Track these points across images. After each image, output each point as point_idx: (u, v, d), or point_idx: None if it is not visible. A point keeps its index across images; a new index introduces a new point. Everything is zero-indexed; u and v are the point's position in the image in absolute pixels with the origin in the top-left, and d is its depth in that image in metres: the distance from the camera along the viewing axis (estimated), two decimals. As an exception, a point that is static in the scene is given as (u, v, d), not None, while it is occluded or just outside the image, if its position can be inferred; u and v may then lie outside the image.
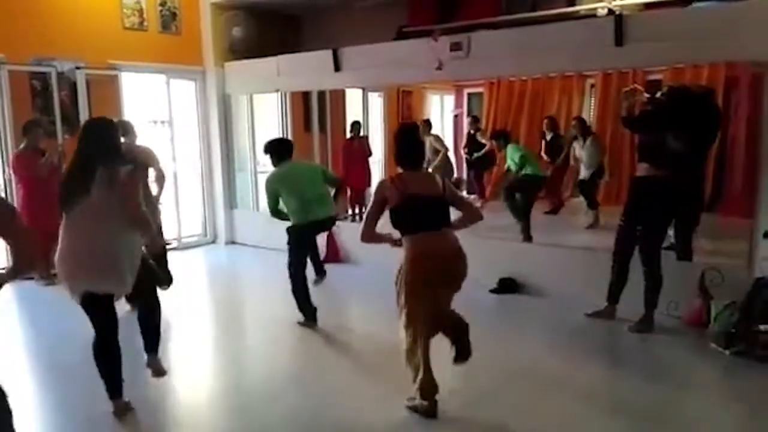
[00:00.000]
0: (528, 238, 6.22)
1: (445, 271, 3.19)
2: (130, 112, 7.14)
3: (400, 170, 3.31)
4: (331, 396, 3.58)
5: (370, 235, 3.28)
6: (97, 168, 3.02)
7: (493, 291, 5.51)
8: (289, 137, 7.62)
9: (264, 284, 6.19)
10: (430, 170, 7.45)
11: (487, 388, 3.65)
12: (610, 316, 4.67)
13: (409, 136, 3.42)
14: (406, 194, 3.15)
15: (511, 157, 6.81)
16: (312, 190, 4.67)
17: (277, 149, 4.79)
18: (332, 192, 4.92)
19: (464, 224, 3.36)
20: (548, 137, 7.93)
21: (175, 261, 7.15)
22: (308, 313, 4.74)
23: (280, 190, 4.62)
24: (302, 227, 4.67)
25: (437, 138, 8.53)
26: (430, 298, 3.18)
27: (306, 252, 4.84)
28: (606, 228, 6.64)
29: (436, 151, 8.27)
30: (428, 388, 3.17)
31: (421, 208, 3.18)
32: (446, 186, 3.29)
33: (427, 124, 8.48)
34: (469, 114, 10.38)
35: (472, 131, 8.94)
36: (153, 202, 5.10)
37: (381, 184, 3.31)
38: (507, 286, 5.53)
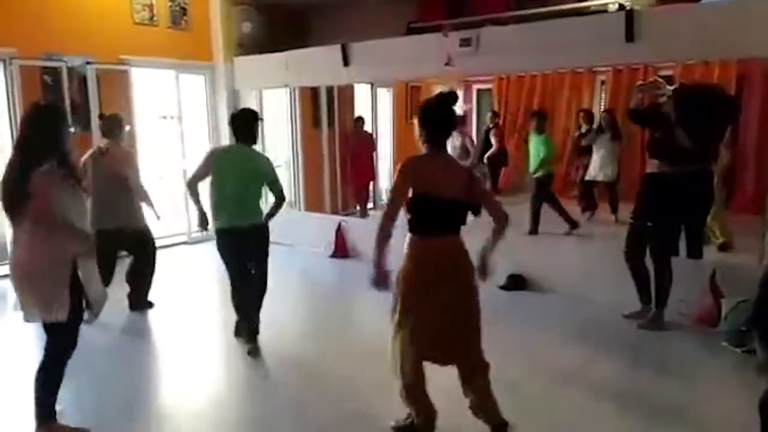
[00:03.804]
0: (573, 225, 6.70)
1: (445, 282, 2.78)
2: (139, 107, 7.18)
3: (424, 149, 2.83)
4: (340, 389, 3.58)
5: (384, 235, 2.74)
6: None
7: (501, 287, 5.50)
8: (298, 132, 7.66)
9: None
10: None
11: (499, 384, 3.64)
12: (645, 317, 4.54)
13: (446, 107, 2.83)
14: (422, 192, 2.72)
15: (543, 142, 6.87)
16: (236, 183, 3.95)
17: (235, 124, 4.15)
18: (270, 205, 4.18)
19: (496, 239, 2.86)
20: (583, 130, 7.84)
21: (183, 255, 7.23)
22: (240, 328, 4.27)
23: (211, 169, 4.00)
24: (221, 233, 4.01)
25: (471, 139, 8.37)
26: (430, 308, 2.78)
27: (237, 266, 4.07)
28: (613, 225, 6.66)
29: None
30: (425, 419, 2.88)
31: (435, 211, 2.76)
32: (472, 181, 2.82)
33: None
34: (478, 110, 10.36)
35: (490, 126, 8.83)
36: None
37: (409, 164, 2.76)
38: (516, 282, 5.52)
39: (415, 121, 2.85)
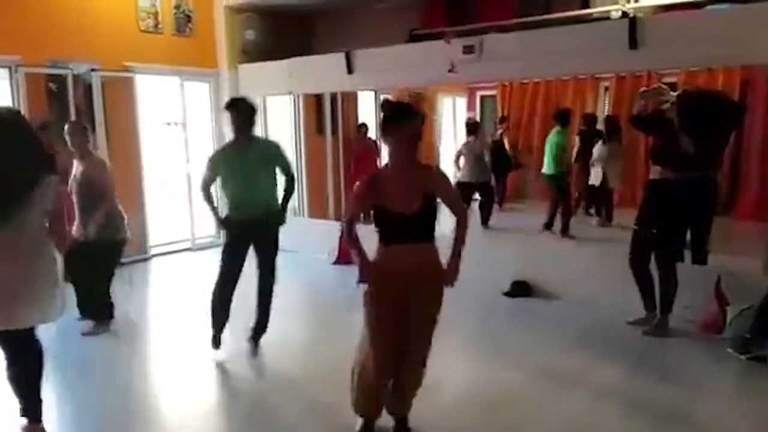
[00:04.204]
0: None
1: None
2: (144, 114, 7.20)
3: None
4: (340, 400, 3.56)
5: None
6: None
7: (506, 294, 5.49)
8: (302, 139, 7.68)
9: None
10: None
11: (503, 391, 3.63)
12: (649, 323, 4.52)
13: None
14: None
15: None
16: (253, 176, 4.01)
17: (242, 114, 4.04)
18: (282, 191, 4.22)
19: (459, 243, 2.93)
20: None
21: (188, 262, 7.24)
22: (214, 334, 4.22)
23: (220, 170, 4.05)
24: (232, 224, 4.09)
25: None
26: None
27: (235, 262, 4.09)
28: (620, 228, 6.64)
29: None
30: (365, 404, 3.05)
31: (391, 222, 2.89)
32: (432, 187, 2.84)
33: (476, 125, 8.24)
34: (482, 117, 10.34)
35: (499, 132, 8.84)
36: None
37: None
38: (520, 288, 5.51)
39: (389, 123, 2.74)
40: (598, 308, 4.86)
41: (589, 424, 3.25)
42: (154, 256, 7.25)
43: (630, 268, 4.51)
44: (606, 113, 8.54)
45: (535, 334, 4.64)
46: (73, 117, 6.38)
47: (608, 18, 5.65)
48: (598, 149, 7.44)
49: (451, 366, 3.04)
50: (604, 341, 4.43)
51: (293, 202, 7.60)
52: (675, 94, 4.33)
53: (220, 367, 4.19)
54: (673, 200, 4.24)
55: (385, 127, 2.72)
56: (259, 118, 7.20)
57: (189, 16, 7.43)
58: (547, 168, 7.07)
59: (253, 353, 4.24)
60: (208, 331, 4.22)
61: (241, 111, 4.03)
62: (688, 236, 4.49)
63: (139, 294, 5.93)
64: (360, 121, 8.60)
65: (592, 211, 7.93)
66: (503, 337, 4.59)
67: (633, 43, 4.77)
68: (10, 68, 5.99)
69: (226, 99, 7.69)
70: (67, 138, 4.51)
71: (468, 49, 5.65)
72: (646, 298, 4.55)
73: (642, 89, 4.75)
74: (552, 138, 7.04)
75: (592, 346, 4.33)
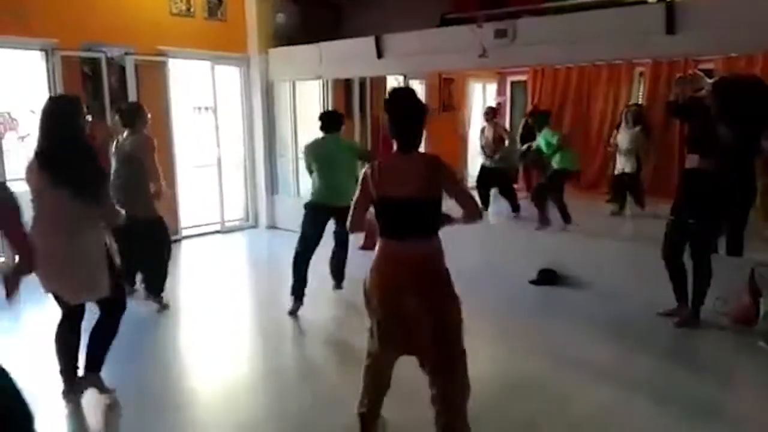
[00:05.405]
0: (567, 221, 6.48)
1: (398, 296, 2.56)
2: (176, 98, 7.29)
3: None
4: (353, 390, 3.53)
5: (356, 224, 2.85)
6: None
7: (532, 282, 5.45)
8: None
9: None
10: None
11: (526, 379, 3.62)
12: (681, 315, 4.44)
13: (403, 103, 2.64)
14: (378, 194, 2.62)
15: (545, 138, 6.67)
16: (337, 175, 4.69)
17: (323, 120, 4.96)
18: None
19: (462, 221, 2.69)
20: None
21: (216, 244, 7.35)
22: (295, 295, 4.78)
23: (309, 158, 4.86)
24: (316, 205, 4.75)
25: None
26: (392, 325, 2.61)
27: (315, 235, 4.79)
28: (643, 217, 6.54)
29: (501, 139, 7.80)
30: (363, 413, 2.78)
31: (392, 212, 2.64)
32: (437, 177, 2.56)
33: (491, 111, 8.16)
34: (512, 102, 10.22)
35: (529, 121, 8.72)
36: None
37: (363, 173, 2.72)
38: (547, 277, 5.47)
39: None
40: (628, 298, 4.79)
41: (616, 415, 3.22)
42: (185, 237, 7.38)
43: (663, 259, 4.43)
44: (641, 99, 8.37)
45: (561, 323, 4.60)
46: (107, 100, 6.49)
47: (645, 2, 5.51)
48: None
49: (474, 353, 2.97)
50: (633, 332, 4.37)
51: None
52: (711, 81, 4.22)
53: (249, 347, 4.26)
54: (709, 190, 4.14)
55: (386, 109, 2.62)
56: (289, 103, 7.24)
57: (220, 0, 7.47)
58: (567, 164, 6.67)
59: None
60: (245, 309, 4.23)
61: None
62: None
63: (174, 274, 6.03)
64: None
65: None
66: (528, 326, 4.57)
67: (670, 28, 4.65)
68: (46, 51, 6.10)
69: (256, 83, 7.84)
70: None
71: (500, 34, 5.57)
72: (678, 289, 4.46)
73: (678, 76, 4.64)
74: (559, 135, 6.69)
75: (621, 337, 4.28)
